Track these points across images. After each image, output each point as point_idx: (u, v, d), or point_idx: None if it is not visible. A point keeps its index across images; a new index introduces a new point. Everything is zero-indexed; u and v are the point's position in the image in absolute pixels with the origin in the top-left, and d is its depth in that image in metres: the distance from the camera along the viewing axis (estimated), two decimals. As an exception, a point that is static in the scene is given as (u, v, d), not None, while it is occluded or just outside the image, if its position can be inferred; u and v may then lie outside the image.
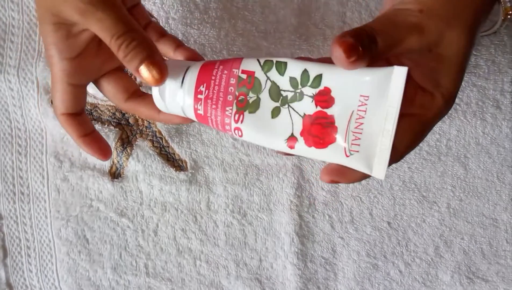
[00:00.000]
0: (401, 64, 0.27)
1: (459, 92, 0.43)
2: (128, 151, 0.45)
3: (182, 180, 0.45)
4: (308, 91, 0.26)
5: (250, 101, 0.27)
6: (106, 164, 0.45)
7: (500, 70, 0.42)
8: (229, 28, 0.43)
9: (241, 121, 0.27)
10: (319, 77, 0.26)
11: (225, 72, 0.28)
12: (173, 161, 0.45)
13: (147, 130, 0.45)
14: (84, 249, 0.46)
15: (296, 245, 0.45)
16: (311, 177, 0.45)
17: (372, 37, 0.25)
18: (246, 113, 0.27)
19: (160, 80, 0.28)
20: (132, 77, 0.43)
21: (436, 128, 0.44)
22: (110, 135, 0.45)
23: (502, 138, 0.43)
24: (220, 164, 0.45)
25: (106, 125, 0.45)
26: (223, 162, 0.45)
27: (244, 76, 0.27)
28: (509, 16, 0.33)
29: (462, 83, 0.43)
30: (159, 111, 0.32)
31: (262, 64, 0.27)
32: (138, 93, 0.34)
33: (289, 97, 0.27)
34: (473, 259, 0.45)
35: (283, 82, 0.27)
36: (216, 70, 0.28)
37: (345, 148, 0.25)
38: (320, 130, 0.26)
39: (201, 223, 0.45)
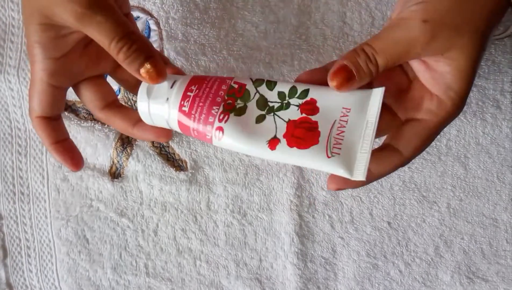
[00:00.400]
0: (412, 68, 0.28)
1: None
2: (128, 151, 0.45)
3: (182, 180, 0.45)
4: (295, 101, 0.28)
5: (237, 106, 0.29)
6: (106, 164, 0.45)
7: (500, 70, 0.42)
8: (229, 28, 0.43)
9: (225, 121, 0.28)
10: (306, 91, 0.28)
11: (218, 80, 0.30)
12: (173, 161, 0.45)
13: (147, 130, 0.45)
14: (84, 249, 0.46)
15: (296, 245, 0.45)
16: (311, 177, 0.45)
17: (371, 59, 0.26)
18: (231, 114, 0.28)
19: (160, 78, 0.28)
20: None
21: (436, 128, 0.44)
22: (110, 135, 0.45)
23: (502, 138, 0.43)
24: (220, 164, 0.45)
25: (106, 125, 0.45)
26: (223, 162, 0.45)
27: (235, 85, 0.29)
28: None
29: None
30: (133, 124, 0.32)
31: (253, 80, 0.29)
32: (116, 104, 0.33)
33: (275, 107, 0.28)
34: (473, 259, 0.45)
35: (271, 95, 0.29)
36: (209, 78, 0.30)
37: (326, 150, 0.27)
38: (303, 132, 0.27)
39: (201, 223, 0.45)
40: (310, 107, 0.28)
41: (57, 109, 0.32)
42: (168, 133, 0.32)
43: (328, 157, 0.27)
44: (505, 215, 0.45)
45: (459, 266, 0.45)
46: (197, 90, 0.29)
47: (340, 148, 0.27)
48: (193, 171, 0.45)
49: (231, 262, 0.46)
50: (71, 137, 0.45)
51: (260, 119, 0.28)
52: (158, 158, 0.45)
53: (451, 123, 0.43)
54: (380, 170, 0.28)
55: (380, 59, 0.26)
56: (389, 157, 0.28)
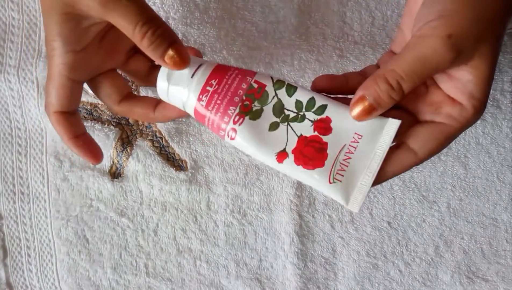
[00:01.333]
0: (435, 79, 0.28)
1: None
2: (128, 151, 0.45)
3: (182, 180, 0.45)
4: (310, 116, 0.28)
5: (254, 109, 0.29)
6: (106, 164, 0.45)
7: (500, 70, 0.42)
8: (229, 28, 0.43)
9: (240, 124, 0.29)
10: (323, 107, 0.28)
11: (239, 76, 0.29)
12: (173, 161, 0.45)
13: (147, 130, 0.45)
14: (84, 249, 0.46)
15: (296, 245, 0.45)
16: (311, 177, 0.45)
17: (394, 87, 0.26)
18: (246, 118, 0.29)
19: (183, 65, 0.28)
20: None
21: (436, 128, 0.44)
22: (110, 135, 0.45)
23: (502, 138, 0.43)
24: (220, 164, 0.45)
25: (106, 125, 0.45)
26: (223, 162, 0.45)
27: (255, 85, 0.29)
28: None
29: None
30: (153, 110, 0.32)
31: (274, 81, 0.29)
32: (131, 95, 0.34)
33: (290, 117, 0.28)
34: (473, 259, 0.45)
35: (289, 102, 0.29)
36: (231, 72, 0.29)
37: (330, 175, 0.27)
38: (312, 152, 0.28)
39: (201, 223, 0.45)
40: (324, 126, 0.28)
41: (75, 103, 0.32)
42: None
43: (330, 183, 0.27)
44: (505, 215, 0.45)
45: (459, 266, 0.45)
46: (217, 86, 0.29)
47: (343, 175, 0.27)
48: (193, 171, 0.45)
49: (231, 262, 0.46)
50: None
51: (273, 126, 0.28)
52: (158, 158, 0.45)
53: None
54: (394, 169, 0.28)
55: (406, 84, 0.26)
56: (404, 156, 0.28)
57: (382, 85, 0.26)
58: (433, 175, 0.44)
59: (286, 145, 0.28)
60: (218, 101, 0.29)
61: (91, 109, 0.45)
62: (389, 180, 0.44)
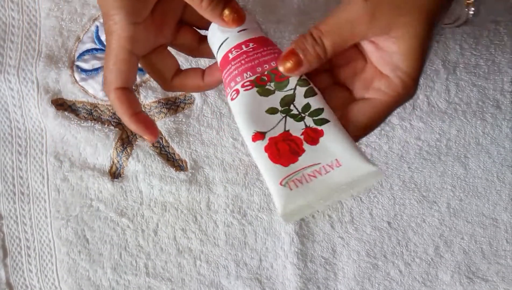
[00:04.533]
0: (363, 48, 0.29)
1: (459, 92, 0.43)
2: (128, 151, 0.45)
3: (182, 180, 0.45)
4: (309, 121, 0.28)
5: (266, 87, 0.29)
6: (106, 164, 0.45)
7: (500, 70, 0.42)
8: (229, 28, 0.43)
9: (246, 90, 0.29)
10: (325, 120, 0.28)
11: (275, 55, 0.30)
12: (173, 161, 0.45)
13: (147, 130, 0.45)
14: (84, 249, 0.46)
15: (296, 245, 0.45)
16: (311, 177, 0.45)
17: (318, 42, 0.27)
18: (255, 89, 0.29)
19: (240, 21, 0.29)
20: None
21: (436, 128, 0.44)
22: (110, 135, 0.45)
23: (502, 138, 0.43)
24: (220, 164, 0.45)
25: (106, 125, 0.45)
26: (223, 162, 0.45)
27: None
28: (469, 6, 0.32)
29: (462, 83, 0.43)
30: (202, 79, 0.33)
31: (300, 77, 0.29)
32: (179, 71, 0.34)
33: (291, 112, 0.28)
34: (473, 259, 0.45)
35: (300, 102, 0.29)
36: (271, 48, 0.30)
37: (285, 178, 0.26)
38: (285, 149, 0.27)
39: (201, 223, 0.45)
40: (313, 136, 0.27)
41: (133, 79, 0.32)
42: None
43: (280, 184, 0.26)
44: (505, 215, 0.45)
45: (459, 266, 0.45)
46: (252, 49, 0.30)
47: (297, 186, 0.26)
48: (193, 171, 0.45)
49: (231, 262, 0.46)
50: (71, 137, 0.46)
51: (271, 111, 0.29)
52: (158, 158, 0.45)
53: (451, 123, 0.43)
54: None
55: (327, 41, 0.27)
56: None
57: (308, 38, 0.28)
58: (433, 175, 0.44)
59: (269, 130, 0.28)
60: (243, 61, 0.30)
61: (91, 109, 0.45)
62: (389, 180, 0.44)
